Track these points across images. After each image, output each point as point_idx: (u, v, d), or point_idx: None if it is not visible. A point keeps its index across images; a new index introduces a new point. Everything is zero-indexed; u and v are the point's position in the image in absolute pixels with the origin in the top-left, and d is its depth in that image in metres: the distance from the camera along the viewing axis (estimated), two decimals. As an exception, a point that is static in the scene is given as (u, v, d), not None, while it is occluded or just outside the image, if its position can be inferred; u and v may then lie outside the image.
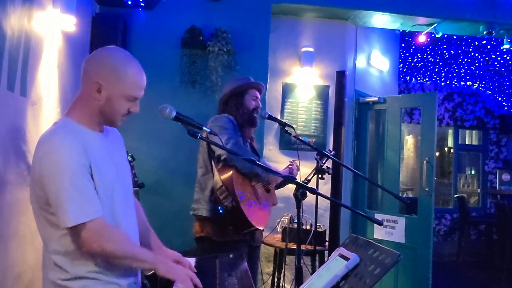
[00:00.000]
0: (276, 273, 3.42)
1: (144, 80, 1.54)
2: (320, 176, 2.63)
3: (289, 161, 3.00)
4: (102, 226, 1.40)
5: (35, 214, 1.47)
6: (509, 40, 4.29)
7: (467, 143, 8.15)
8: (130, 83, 1.48)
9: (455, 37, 5.69)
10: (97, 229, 1.38)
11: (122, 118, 1.54)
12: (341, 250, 1.40)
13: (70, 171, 1.37)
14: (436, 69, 6.96)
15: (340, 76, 3.53)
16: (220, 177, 2.49)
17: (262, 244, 3.11)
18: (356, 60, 4.47)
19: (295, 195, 1.65)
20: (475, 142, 8.11)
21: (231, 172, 2.47)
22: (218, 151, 2.51)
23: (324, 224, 3.54)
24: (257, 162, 1.80)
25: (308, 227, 3.19)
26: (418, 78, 7.40)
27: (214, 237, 2.57)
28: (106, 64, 1.48)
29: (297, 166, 2.95)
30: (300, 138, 2.77)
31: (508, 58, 6.23)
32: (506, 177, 7.36)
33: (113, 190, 1.50)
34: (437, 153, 7.75)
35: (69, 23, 2.55)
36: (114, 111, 1.50)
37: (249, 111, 2.72)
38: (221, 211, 2.47)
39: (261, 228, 2.60)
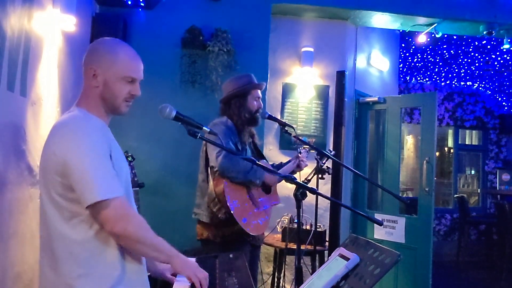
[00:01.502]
0: (276, 273, 3.42)
1: (139, 62, 1.55)
2: (320, 176, 2.62)
3: (298, 150, 2.89)
4: (126, 205, 1.40)
5: (47, 203, 1.42)
6: (509, 40, 4.28)
7: (467, 143, 8.14)
8: (122, 64, 1.49)
9: (455, 37, 5.70)
10: (122, 208, 1.37)
11: (126, 103, 1.53)
12: (341, 250, 1.41)
13: (95, 148, 1.38)
14: (436, 69, 6.96)
15: (340, 76, 3.53)
16: (214, 188, 2.51)
17: (262, 244, 3.11)
18: (356, 60, 4.47)
19: (295, 195, 1.65)
20: (475, 142, 8.11)
21: (224, 182, 2.47)
22: (212, 163, 2.51)
23: (324, 224, 3.53)
24: (256, 162, 1.80)
25: (308, 227, 3.18)
26: (418, 78, 7.40)
27: (218, 239, 2.57)
28: (98, 50, 1.52)
29: (306, 151, 2.88)
30: (300, 138, 2.76)
31: (508, 58, 6.23)
32: (506, 177, 7.36)
33: (127, 182, 1.51)
34: (437, 153, 7.74)
35: (69, 23, 2.55)
36: (114, 95, 1.50)
37: (252, 113, 2.69)
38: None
39: (257, 234, 2.61)
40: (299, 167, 2.85)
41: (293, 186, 1.66)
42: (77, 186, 1.36)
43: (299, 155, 2.85)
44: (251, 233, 2.48)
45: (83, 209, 1.37)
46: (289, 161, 2.92)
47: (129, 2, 3.53)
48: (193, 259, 1.78)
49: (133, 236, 1.38)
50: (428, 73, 7.14)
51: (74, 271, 1.39)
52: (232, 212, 2.41)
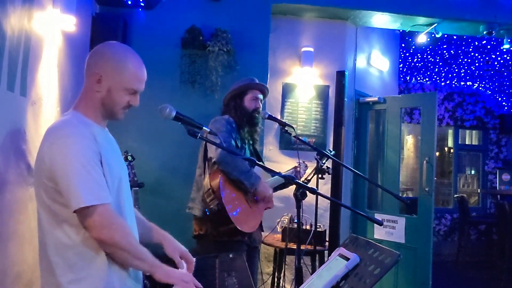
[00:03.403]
0: (276, 273, 3.42)
1: (145, 73, 1.56)
2: (320, 176, 2.63)
3: (297, 162, 2.95)
4: (113, 212, 1.40)
5: (40, 207, 1.44)
6: (509, 40, 4.29)
7: (467, 143, 8.14)
8: (129, 75, 1.50)
9: (455, 37, 5.70)
10: (108, 215, 1.38)
11: (123, 110, 1.55)
12: (341, 250, 1.41)
13: (82, 156, 1.38)
14: (436, 69, 6.96)
15: (340, 76, 3.53)
16: (209, 180, 2.51)
17: (262, 244, 3.11)
18: (356, 60, 4.47)
19: (295, 195, 1.65)
20: (475, 142, 8.11)
21: (220, 176, 2.49)
22: (211, 154, 2.52)
23: (324, 224, 3.53)
24: (256, 162, 1.80)
25: (308, 227, 3.19)
26: (418, 78, 7.39)
27: (211, 237, 2.57)
28: (106, 57, 1.51)
29: (306, 166, 2.94)
30: (300, 138, 2.77)
31: (508, 58, 6.23)
32: (506, 177, 7.35)
33: (119, 186, 1.51)
34: (437, 153, 7.74)
35: (69, 23, 2.54)
36: (115, 103, 1.51)
37: (248, 112, 2.73)
38: (207, 213, 2.52)
39: (248, 231, 2.60)
40: None
41: (293, 186, 1.66)
42: (64, 192, 1.37)
43: (298, 168, 2.91)
44: (240, 229, 2.48)
45: (73, 214, 1.37)
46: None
47: (129, 2, 3.52)
48: (193, 260, 1.77)
49: (117, 243, 1.39)
50: (428, 73, 7.14)
51: (66, 275, 1.40)
52: (223, 203, 2.42)
